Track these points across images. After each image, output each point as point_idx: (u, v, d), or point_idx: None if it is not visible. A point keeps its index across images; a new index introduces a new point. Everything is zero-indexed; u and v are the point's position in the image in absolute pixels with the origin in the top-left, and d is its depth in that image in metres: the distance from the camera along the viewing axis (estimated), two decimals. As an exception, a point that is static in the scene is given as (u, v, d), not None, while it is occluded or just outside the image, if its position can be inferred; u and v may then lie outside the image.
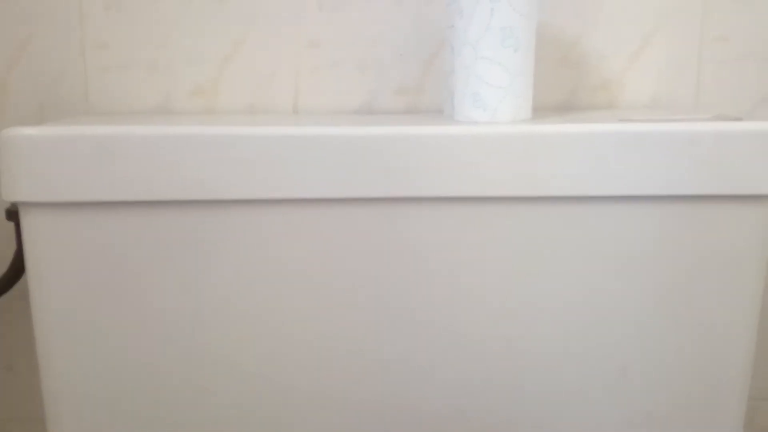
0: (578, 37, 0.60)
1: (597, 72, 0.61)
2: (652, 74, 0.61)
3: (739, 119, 0.46)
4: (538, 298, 0.46)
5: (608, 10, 0.60)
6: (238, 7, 0.58)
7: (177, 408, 0.46)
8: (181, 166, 0.42)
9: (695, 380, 0.48)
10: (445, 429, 0.47)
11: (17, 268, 0.56)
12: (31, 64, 0.59)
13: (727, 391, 0.48)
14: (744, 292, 0.46)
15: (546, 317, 0.46)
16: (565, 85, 0.61)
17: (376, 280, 0.45)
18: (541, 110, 0.61)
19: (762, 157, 0.44)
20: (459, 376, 0.46)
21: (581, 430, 0.48)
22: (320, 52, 0.59)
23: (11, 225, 0.61)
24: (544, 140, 0.44)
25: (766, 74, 0.61)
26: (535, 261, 0.45)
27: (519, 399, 0.47)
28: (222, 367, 0.46)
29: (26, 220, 0.44)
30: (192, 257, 0.44)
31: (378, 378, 0.46)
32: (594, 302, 0.46)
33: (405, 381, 0.46)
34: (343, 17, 0.59)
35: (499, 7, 0.47)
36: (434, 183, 0.44)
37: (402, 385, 0.46)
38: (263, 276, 0.45)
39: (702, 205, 0.45)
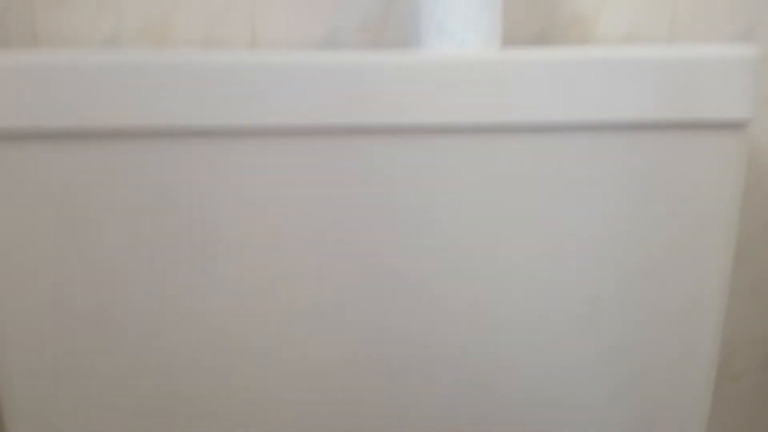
0: (550, -32, 0.58)
1: (570, 7, 0.58)
2: (626, 9, 0.59)
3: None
4: (508, 229, 0.44)
5: (581, -60, 0.57)
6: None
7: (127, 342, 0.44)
8: (132, 95, 0.40)
9: (667, 315, 0.47)
10: (416, 364, 0.45)
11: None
12: (-32, -4, 0.55)
13: (701, 328, 0.47)
14: (718, 221, 0.44)
15: (515, 247, 0.44)
16: (536, 21, 0.59)
17: (344, 211, 0.43)
18: (510, 45, 0.58)
19: (733, 83, 0.42)
20: (425, 306, 0.45)
21: (552, 365, 0.46)
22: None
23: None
24: (510, 67, 0.41)
25: (740, 10, 0.59)
26: (504, 191, 0.43)
27: (490, 335, 0.45)
28: (181, 309, 0.43)
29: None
30: (142, 191, 0.41)
31: (348, 316, 0.44)
32: (564, 232, 0.44)
33: (376, 320, 0.44)
34: (302, -54, 0.55)
35: (465, -72, 0.45)
36: (400, 111, 0.41)
37: (374, 324, 0.44)
38: (223, 210, 0.42)
39: (673, 132, 0.43)
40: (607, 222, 0.44)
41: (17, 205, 0.41)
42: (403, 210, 0.43)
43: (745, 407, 0.70)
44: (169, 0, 0.56)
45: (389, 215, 0.43)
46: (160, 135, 0.40)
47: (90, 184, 0.41)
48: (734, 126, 0.42)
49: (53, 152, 0.40)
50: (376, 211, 0.43)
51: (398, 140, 0.42)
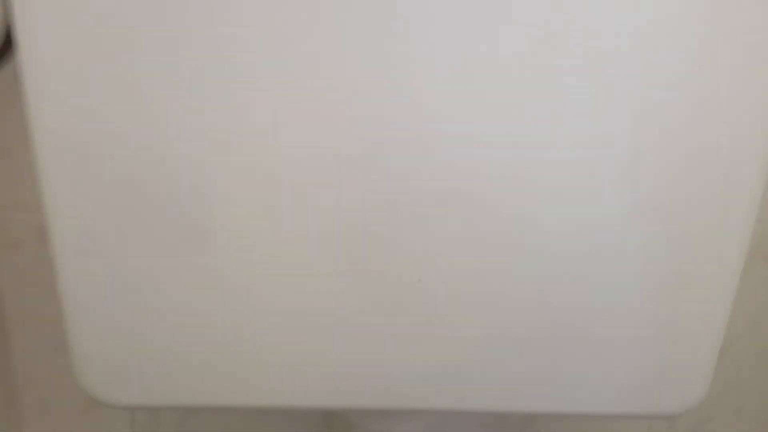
0: None
1: None
2: None
3: None
4: (552, 72, 0.43)
5: None
6: None
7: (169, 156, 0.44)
8: None
9: (708, 174, 0.46)
10: (446, 211, 0.45)
11: (8, 42, 0.54)
12: None
13: (739, 196, 0.46)
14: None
15: (559, 92, 0.43)
16: None
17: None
18: None
19: None
20: (456, 153, 0.44)
21: (587, 216, 0.46)
22: None
23: None
24: None
25: None
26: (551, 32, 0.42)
27: (525, 176, 0.45)
28: (219, 125, 0.43)
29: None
30: (185, 7, 0.41)
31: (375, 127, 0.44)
32: (609, 77, 0.43)
33: (409, 163, 0.44)
34: None
35: None
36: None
37: (407, 170, 0.44)
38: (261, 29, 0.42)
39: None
40: (655, 68, 0.42)
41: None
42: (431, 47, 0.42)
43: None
44: None
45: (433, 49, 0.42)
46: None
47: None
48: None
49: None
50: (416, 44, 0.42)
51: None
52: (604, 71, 0.42)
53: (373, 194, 0.45)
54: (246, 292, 0.47)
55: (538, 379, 0.49)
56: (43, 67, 0.42)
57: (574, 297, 0.47)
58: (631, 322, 0.48)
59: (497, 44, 0.42)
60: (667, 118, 0.44)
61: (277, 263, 0.46)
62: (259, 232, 0.45)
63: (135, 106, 0.43)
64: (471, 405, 0.50)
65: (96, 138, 0.43)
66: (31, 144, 0.44)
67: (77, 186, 0.44)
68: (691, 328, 0.48)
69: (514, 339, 0.48)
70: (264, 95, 0.42)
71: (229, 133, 0.43)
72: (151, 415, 0.70)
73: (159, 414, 0.70)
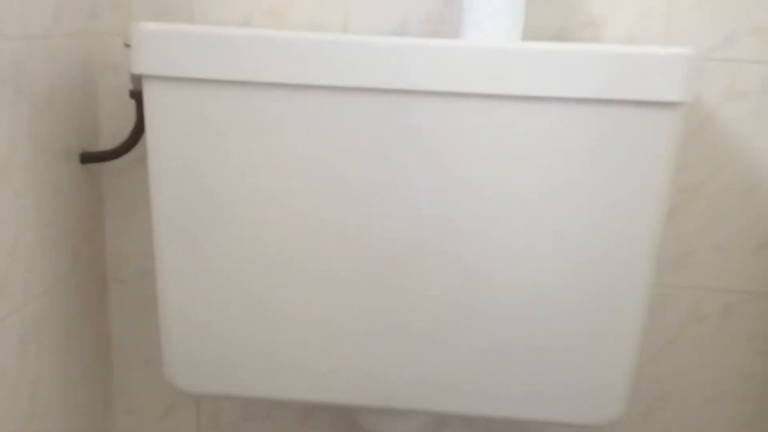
0: (570, -17, 0.76)
1: (583, 12, 0.77)
2: (630, 15, 0.76)
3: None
4: (504, 167, 0.63)
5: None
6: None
7: (254, 231, 0.66)
8: (262, 59, 0.62)
9: (604, 250, 0.65)
10: (437, 244, 0.66)
11: (135, 136, 0.78)
12: (153, -15, 0.79)
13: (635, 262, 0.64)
14: (652, 188, 0.62)
15: (508, 179, 0.63)
16: (555, 22, 0.77)
17: (383, 160, 0.63)
18: (531, 40, 0.77)
19: (670, 72, 0.59)
20: (445, 219, 0.65)
21: (529, 276, 0.65)
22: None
23: (133, 103, 0.83)
24: (515, 55, 0.60)
25: (726, 16, 0.76)
26: (501, 142, 0.63)
27: (493, 245, 0.65)
28: (278, 207, 0.65)
29: (148, 90, 0.64)
30: (265, 131, 0.64)
31: (377, 232, 0.65)
32: (544, 188, 0.63)
33: (403, 226, 0.65)
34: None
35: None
36: (430, 80, 0.61)
37: (400, 228, 0.65)
38: (304, 156, 0.64)
39: (623, 107, 0.61)
40: (572, 168, 0.62)
41: (181, 132, 0.64)
42: (432, 160, 0.63)
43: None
44: (288, -6, 0.78)
45: (421, 163, 0.63)
46: (268, 87, 0.62)
47: (234, 122, 0.63)
48: (669, 105, 0.60)
49: (206, 95, 0.63)
50: (410, 159, 0.63)
51: (435, 101, 0.62)
52: (539, 203, 0.63)
53: (379, 257, 0.66)
54: (293, 314, 0.67)
55: (494, 385, 0.67)
56: (167, 166, 0.65)
57: (520, 326, 0.66)
58: (560, 350, 0.66)
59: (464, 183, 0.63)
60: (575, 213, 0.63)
61: (314, 295, 0.67)
62: (303, 279, 0.66)
63: (231, 196, 0.65)
64: (445, 407, 0.68)
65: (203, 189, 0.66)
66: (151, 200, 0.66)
67: (185, 229, 0.66)
68: (605, 358, 0.66)
69: (479, 353, 0.66)
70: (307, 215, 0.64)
71: (286, 226, 0.65)
72: (213, 417, 0.90)
73: (220, 416, 0.90)
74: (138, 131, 0.78)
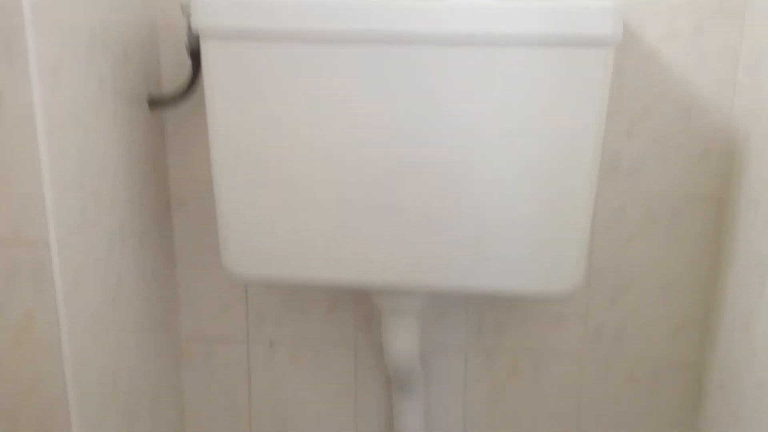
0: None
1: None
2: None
3: None
4: (476, 108, 0.82)
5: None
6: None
7: (303, 161, 0.86)
8: (304, 18, 0.81)
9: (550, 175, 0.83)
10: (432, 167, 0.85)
11: (191, 85, 0.98)
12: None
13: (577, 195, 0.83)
14: (593, 106, 0.80)
15: (480, 118, 0.82)
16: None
17: (391, 102, 0.82)
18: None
19: (597, 17, 0.77)
20: (443, 167, 0.84)
21: (499, 167, 0.84)
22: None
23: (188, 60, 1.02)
24: (476, 8, 0.79)
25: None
26: (476, 92, 0.81)
27: (473, 155, 0.84)
28: (314, 135, 0.85)
29: (205, 45, 0.83)
30: (305, 79, 0.83)
31: (390, 167, 0.84)
32: (512, 109, 0.82)
33: (410, 161, 0.84)
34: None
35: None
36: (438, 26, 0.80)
37: (415, 151, 0.84)
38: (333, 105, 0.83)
39: (560, 47, 0.79)
40: (531, 94, 0.81)
41: (234, 87, 0.83)
42: (426, 103, 0.82)
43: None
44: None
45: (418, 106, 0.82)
46: (307, 42, 0.81)
47: (280, 73, 0.83)
48: (602, 43, 0.78)
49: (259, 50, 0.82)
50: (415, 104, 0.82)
51: (432, 51, 0.80)
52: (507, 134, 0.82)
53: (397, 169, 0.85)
54: (322, 213, 0.88)
55: (475, 263, 0.87)
56: (225, 110, 0.85)
57: (494, 214, 0.85)
58: (526, 231, 0.86)
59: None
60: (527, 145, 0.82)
61: (339, 197, 0.87)
62: (330, 186, 0.87)
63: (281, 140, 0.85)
64: (437, 283, 0.88)
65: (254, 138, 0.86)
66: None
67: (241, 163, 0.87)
68: (562, 237, 0.85)
69: (462, 236, 0.86)
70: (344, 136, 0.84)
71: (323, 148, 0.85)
72: (259, 313, 1.12)
73: (264, 312, 1.11)
74: (193, 82, 0.98)
